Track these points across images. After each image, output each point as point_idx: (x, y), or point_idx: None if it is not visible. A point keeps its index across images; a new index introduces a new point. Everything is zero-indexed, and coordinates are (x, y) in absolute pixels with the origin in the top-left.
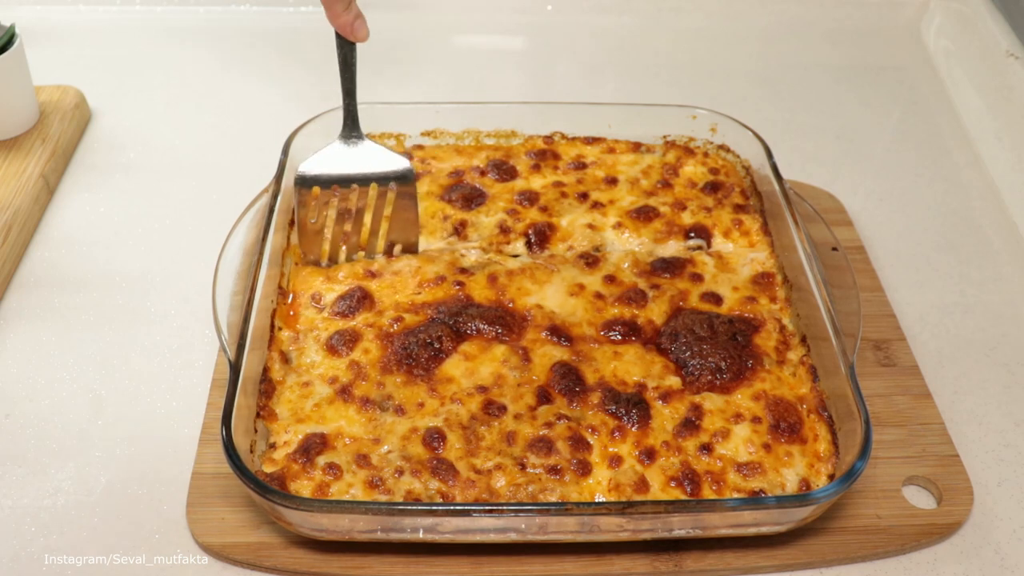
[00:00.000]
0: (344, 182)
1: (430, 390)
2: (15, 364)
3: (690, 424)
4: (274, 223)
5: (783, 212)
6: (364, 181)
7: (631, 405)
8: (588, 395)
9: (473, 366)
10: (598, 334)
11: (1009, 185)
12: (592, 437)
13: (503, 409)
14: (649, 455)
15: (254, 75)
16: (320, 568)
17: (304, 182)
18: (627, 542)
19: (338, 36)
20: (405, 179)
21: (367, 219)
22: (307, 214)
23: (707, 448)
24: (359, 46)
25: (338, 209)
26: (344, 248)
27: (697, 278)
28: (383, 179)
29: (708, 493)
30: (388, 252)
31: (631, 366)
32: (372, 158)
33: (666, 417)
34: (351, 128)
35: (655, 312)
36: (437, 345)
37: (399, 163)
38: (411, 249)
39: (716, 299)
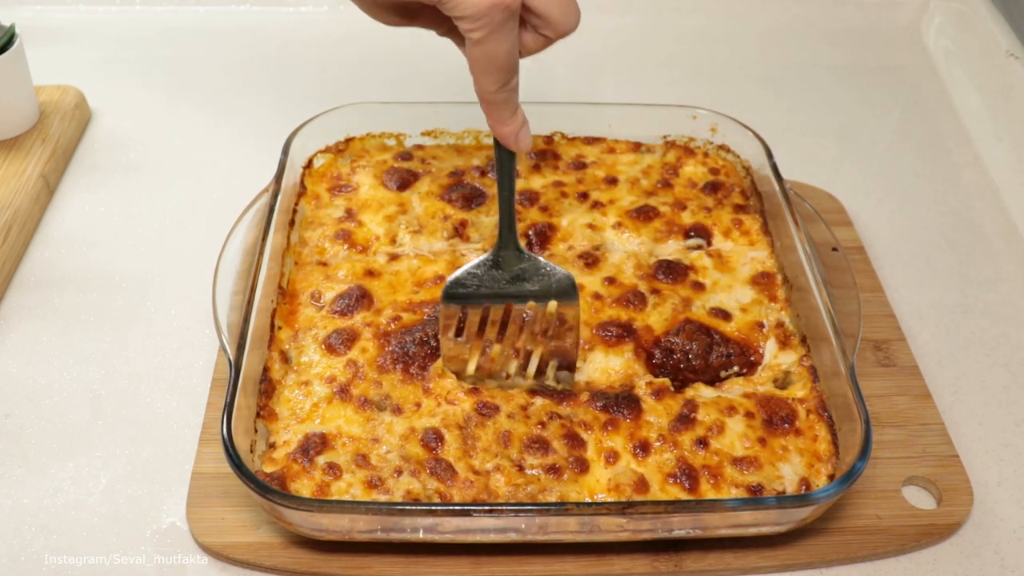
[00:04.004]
0: (498, 299)
1: (425, 389)
2: (15, 364)
3: (685, 418)
4: (274, 223)
5: (783, 212)
6: (521, 299)
7: (620, 400)
8: (577, 396)
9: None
10: (592, 334)
11: (1009, 185)
12: (586, 433)
13: (496, 409)
14: (644, 448)
15: (254, 75)
16: (320, 568)
17: (451, 298)
18: (627, 542)
19: (497, 142)
20: (568, 295)
21: (522, 341)
22: (451, 332)
23: (703, 442)
24: (365, 49)
25: (487, 329)
26: (491, 364)
27: (698, 287)
28: (543, 296)
29: (706, 488)
30: (541, 372)
31: (615, 377)
32: (530, 272)
33: (660, 412)
34: (508, 239)
35: (654, 318)
36: (433, 344)
37: (562, 277)
38: (569, 368)
39: (725, 315)
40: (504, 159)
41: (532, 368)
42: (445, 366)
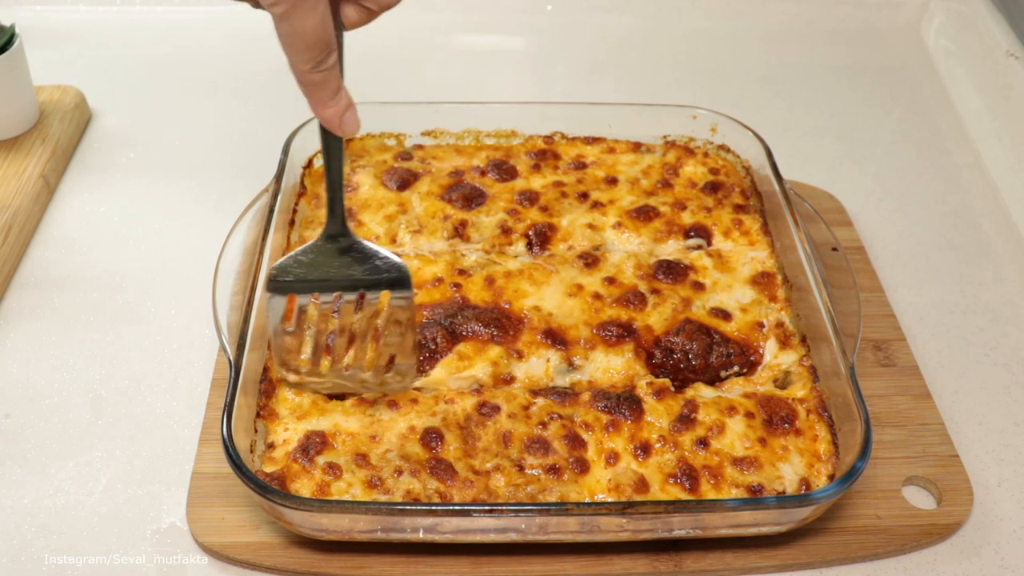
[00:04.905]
0: (326, 288)
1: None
2: (15, 364)
3: (686, 419)
4: (274, 223)
5: (783, 212)
6: (351, 287)
7: (621, 401)
8: (578, 396)
9: (466, 366)
10: (592, 334)
11: (1009, 185)
12: (587, 434)
13: (497, 409)
14: (644, 449)
15: (254, 75)
16: (320, 568)
17: (277, 288)
18: (627, 542)
19: (322, 125)
20: (401, 284)
21: (356, 332)
22: (280, 322)
23: (703, 442)
24: (365, 49)
25: (318, 319)
26: (328, 359)
27: (699, 287)
28: (374, 284)
29: (706, 489)
30: (385, 368)
31: (617, 377)
32: (361, 260)
33: (660, 413)
34: (336, 225)
35: (654, 318)
36: (432, 346)
37: (393, 265)
38: (407, 371)
39: (725, 315)
40: (330, 143)
41: (369, 360)
42: (278, 364)
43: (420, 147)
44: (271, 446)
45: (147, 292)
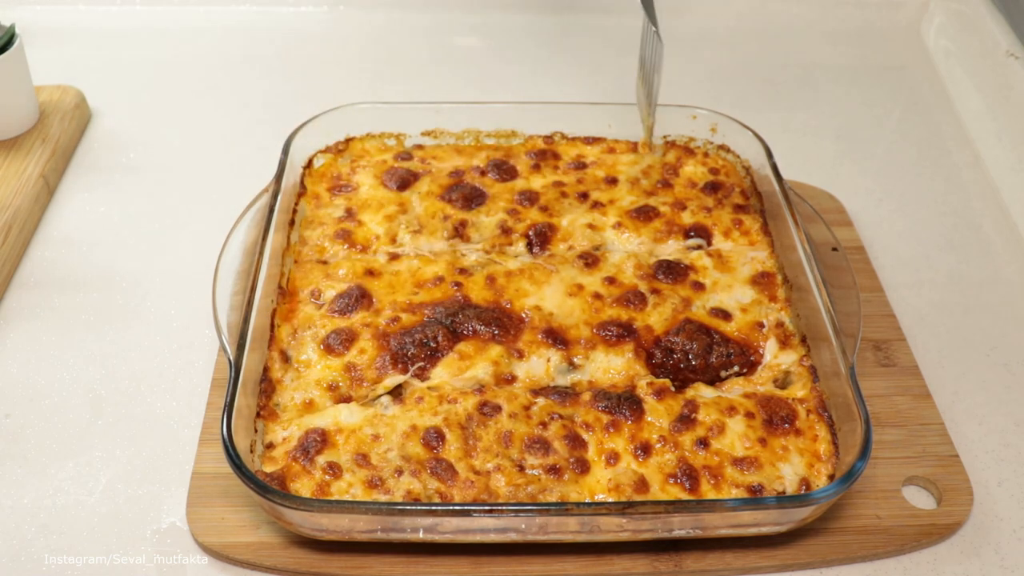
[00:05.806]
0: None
1: (425, 388)
2: (15, 364)
3: (686, 419)
4: (274, 223)
5: (783, 212)
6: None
7: (622, 401)
8: (579, 396)
9: (467, 366)
10: (592, 333)
11: (1009, 185)
12: (587, 434)
13: (498, 409)
14: (645, 449)
15: (254, 75)
16: (320, 568)
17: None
18: (627, 542)
19: None
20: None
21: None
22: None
23: (703, 443)
24: (365, 49)
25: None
26: None
27: (699, 287)
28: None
29: (706, 489)
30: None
31: (617, 377)
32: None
33: (661, 413)
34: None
35: (654, 318)
36: (433, 345)
37: None
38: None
39: (725, 315)
40: None
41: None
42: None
43: (420, 147)
44: (270, 446)
45: (147, 292)
